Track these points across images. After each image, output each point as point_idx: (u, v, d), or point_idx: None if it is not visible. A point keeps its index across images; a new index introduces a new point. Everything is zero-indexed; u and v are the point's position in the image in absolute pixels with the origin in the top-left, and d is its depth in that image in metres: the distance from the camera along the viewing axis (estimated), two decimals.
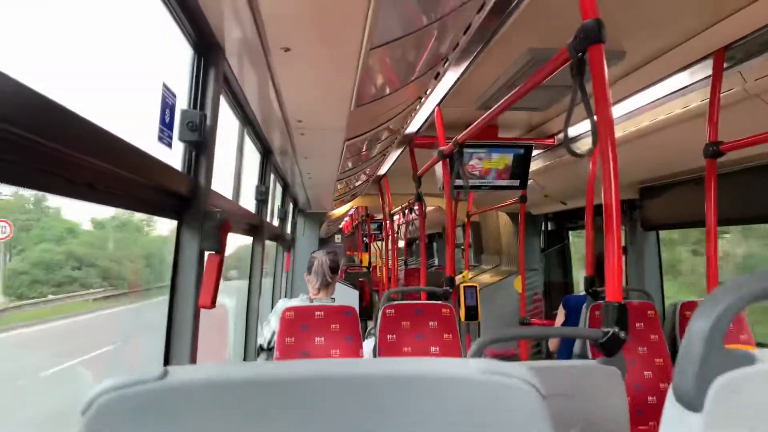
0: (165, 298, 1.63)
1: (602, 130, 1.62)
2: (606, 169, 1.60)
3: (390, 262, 7.71)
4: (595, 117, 1.67)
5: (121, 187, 1.25)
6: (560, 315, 4.25)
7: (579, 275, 6.48)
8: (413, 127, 3.98)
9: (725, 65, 2.59)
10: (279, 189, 5.14)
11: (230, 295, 3.81)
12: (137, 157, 1.26)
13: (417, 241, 16.26)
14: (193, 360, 1.68)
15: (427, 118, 3.75)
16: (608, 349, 1.58)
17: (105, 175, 1.13)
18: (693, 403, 0.62)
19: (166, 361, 1.67)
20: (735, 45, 2.48)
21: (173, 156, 1.61)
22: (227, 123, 2.55)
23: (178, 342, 1.63)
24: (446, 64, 2.52)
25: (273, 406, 0.61)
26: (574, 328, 3.41)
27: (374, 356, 3.40)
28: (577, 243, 6.59)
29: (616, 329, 1.58)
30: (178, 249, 1.66)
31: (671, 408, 0.64)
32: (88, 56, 1.21)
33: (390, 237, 7.81)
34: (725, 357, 0.62)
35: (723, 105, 2.64)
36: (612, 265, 1.60)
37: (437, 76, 2.68)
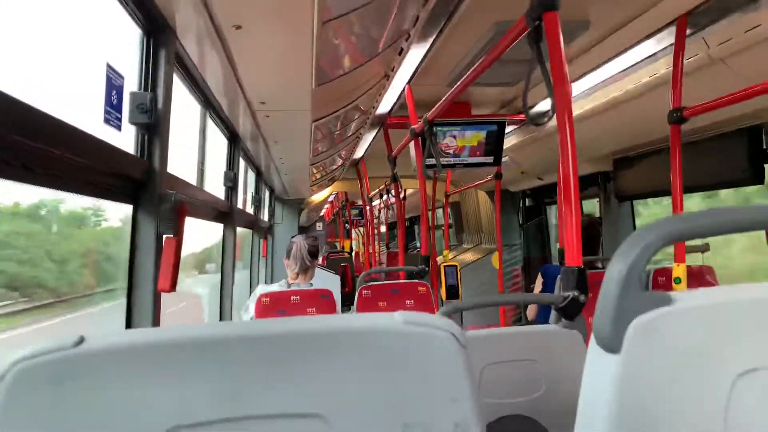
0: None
1: (560, 98, 1.62)
2: (563, 138, 1.61)
3: (371, 246, 7.72)
4: (552, 83, 1.66)
5: (67, 170, 1.22)
6: (538, 284, 4.28)
7: (557, 248, 6.53)
8: (385, 107, 3.96)
9: (688, 31, 2.59)
10: (252, 176, 5.11)
11: (205, 287, 3.77)
12: (81, 139, 1.23)
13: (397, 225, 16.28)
14: None
15: (399, 97, 3.73)
16: (568, 312, 1.60)
17: (44, 157, 1.10)
18: (611, 344, 0.62)
19: None
20: (696, 11, 2.48)
21: (125, 139, 1.58)
22: (186, 106, 2.52)
23: (138, 326, 1.62)
24: (409, 40, 2.49)
25: (192, 368, 0.60)
26: (534, 294, 3.45)
27: None
28: (555, 217, 6.64)
29: (575, 293, 1.59)
30: (135, 234, 1.64)
31: (593, 351, 0.65)
32: (25, 35, 1.17)
33: (370, 221, 7.81)
34: (642, 298, 0.62)
35: (688, 72, 2.65)
36: (571, 233, 1.61)
37: (401, 53, 2.65)
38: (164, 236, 1.65)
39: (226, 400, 0.61)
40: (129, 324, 1.63)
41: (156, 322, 1.64)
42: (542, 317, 4.07)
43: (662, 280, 3.56)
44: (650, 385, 0.61)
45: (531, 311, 4.12)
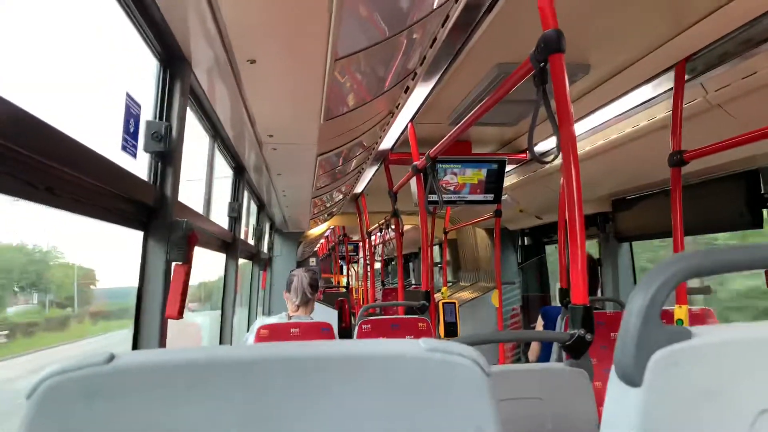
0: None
1: (565, 138, 1.65)
2: (568, 177, 1.63)
3: (369, 282, 7.69)
4: (557, 125, 1.70)
5: (83, 194, 1.24)
6: (538, 326, 4.27)
7: (556, 288, 6.53)
8: (387, 143, 4.01)
9: (687, 77, 2.66)
10: (254, 208, 5.13)
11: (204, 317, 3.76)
12: (100, 165, 1.26)
13: (393, 262, 16.24)
14: None
15: (401, 134, 3.79)
16: (575, 351, 1.60)
17: (66, 180, 1.13)
18: (633, 378, 0.63)
19: None
20: (695, 57, 2.55)
21: (139, 167, 1.61)
22: (198, 139, 2.55)
23: None
24: (415, 78, 2.55)
25: (222, 389, 0.61)
26: (540, 331, 3.43)
27: None
28: (554, 257, 6.65)
29: (582, 331, 1.59)
30: (145, 260, 1.65)
31: (614, 386, 0.66)
32: (51, 63, 1.21)
33: (369, 256, 7.80)
34: (662, 332, 0.63)
35: (686, 116, 2.70)
36: (577, 271, 1.62)
37: (407, 90, 2.71)
38: (173, 263, 1.66)
39: (255, 423, 0.61)
40: (135, 349, 1.63)
41: (162, 347, 1.64)
42: (543, 359, 4.05)
43: (664, 323, 3.56)
44: (671, 419, 0.62)
45: (533, 352, 4.11)
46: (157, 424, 0.60)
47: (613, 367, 0.68)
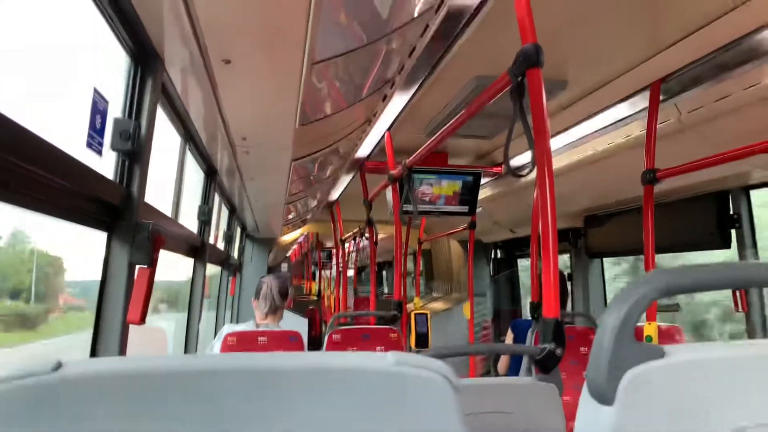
0: None
1: (540, 153, 1.65)
2: (543, 192, 1.62)
3: (342, 290, 7.64)
4: (533, 140, 1.69)
5: (42, 191, 1.19)
6: (508, 339, 4.27)
7: (527, 302, 6.57)
8: (364, 151, 3.99)
9: (661, 97, 2.69)
10: (225, 212, 5.05)
11: (168, 321, 3.67)
12: (61, 161, 1.21)
13: (366, 270, 16.23)
14: None
15: (378, 142, 3.77)
16: (545, 365, 1.58)
17: (23, 176, 1.07)
18: (605, 395, 0.62)
19: None
20: (670, 78, 2.58)
21: (105, 165, 1.55)
22: (168, 139, 2.50)
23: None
24: (393, 87, 2.54)
25: (178, 401, 0.57)
26: (511, 344, 3.44)
27: None
28: (526, 271, 6.70)
29: (552, 345, 1.58)
30: (107, 262, 1.59)
31: (585, 403, 0.64)
32: (12, 51, 1.15)
33: (342, 264, 7.76)
34: (635, 350, 0.62)
35: (660, 135, 2.74)
36: (549, 284, 1.61)
37: (384, 98, 2.70)
38: (137, 266, 1.61)
39: None
40: (93, 354, 1.56)
41: (122, 354, 1.58)
42: (513, 371, 4.05)
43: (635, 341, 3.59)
44: None
45: (502, 365, 4.10)
46: None
47: (585, 385, 0.67)
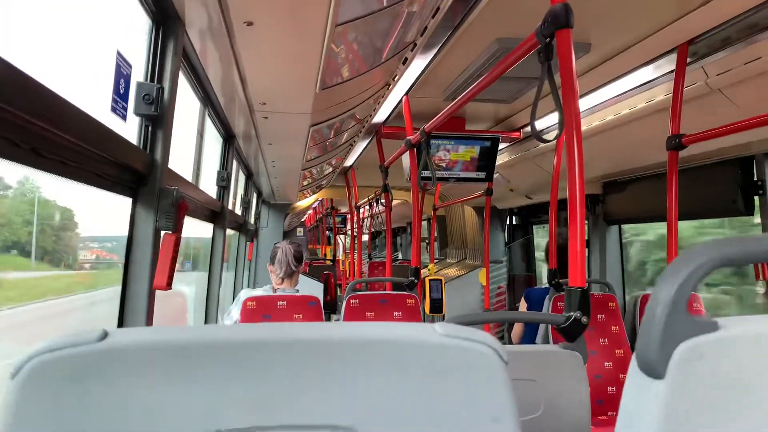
0: None
1: (568, 116, 1.61)
2: (571, 156, 1.59)
3: (356, 255, 7.68)
4: (561, 103, 1.65)
5: (71, 156, 1.18)
6: (522, 308, 4.28)
7: (542, 268, 6.57)
8: (381, 116, 3.95)
9: (688, 60, 2.62)
10: (242, 178, 5.05)
11: (188, 284, 3.70)
12: (90, 126, 1.19)
13: (381, 235, 16.27)
14: None
15: (395, 107, 3.73)
16: (570, 333, 1.58)
17: (53, 141, 1.06)
18: (656, 369, 0.60)
19: None
20: (698, 40, 2.51)
21: (129, 130, 1.54)
22: (188, 104, 2.47)
23: (131, 323, 1.57)
24: (414, 50, 2.49)
25: (222, 371, 0.57)
26: (537, 313, 3.44)
27: None
28: (540, 237, 6.68)
29: (578, 314, 1.58)
30: (133, 228, 1.60)
31: (634, 376, 0.63)
32: (38, 16, 1.13)
33: (357, 230, 7.77)
34: (688, 323, 0.61)
35: (686, 99, 2.68)
36: (575, 253, 1.59)
37: (405, 62, 2.65)
38: (162, 232, 1.61)
39: (257, 408, 0.57)
40: (121, 320, 1.58)
41: (149, 319, 1.59)
42: (527, 340, 4.07)
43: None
44: (695, 412, 0.60)
45: (516, 334, 4.12)
46: (152, 406, 0.56)
47: (633, 357, 0.65)
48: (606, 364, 3.46)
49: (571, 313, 1.60)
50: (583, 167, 1.63)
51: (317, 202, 12.40)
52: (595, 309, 3.55)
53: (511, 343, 4.76)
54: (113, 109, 1.39)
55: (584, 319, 1.61)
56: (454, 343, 0.60)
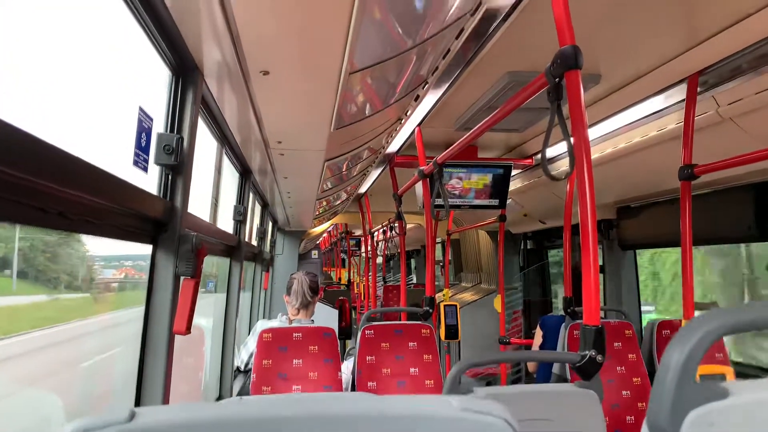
0: None
1: (579, 153, 1.63)
2: (582, 192, 1.60)
3: (371, 279, 7.69)
4: (572, 140, 1.67)
5: (94, 214, 1.22)
6: (537, 336, 4.26)
7: (558, 291, 6.53)
8: (394, 146, 3.99)
9: (699, 89, 2.64)
10: (258, 208, 5.11)
11: (206, 315, 3.72)
12: (111, 184, 1.24)
13: (395, 257, 16.26)
14: (166, 386, 1.64)
15: (408, 137, 3.77)
16: (585, 372, 1.58)
17: (77, 203, 1.10)
18: None
19: (139, 386, 1.63)
20: (708, 70, 2.53)
21: (149, 179, 1.59)
22: (205, 143, 2.53)
23: (152, 367, 1.60)
24: (426, 87, 2.53)
25: None
26: (551, 352, 3.42)
27: (353, 378, 3.37)
28: (555, 261, 6.65)
29: (593, 352, 1.58)
30: (153, 273, 1.63)
31: None
32: (59, 81, 1.18)
33: (372, 255, 7.79)
34: (699, 390, 0.62)
35: (697, 128, 2.69)
36: (589, 288, 1.59)
37: (417, 99, 2.69)
38: (182, 277, 1.65)
39: None
40: (142, 364, 1.61)
41: (168, 364, 1.62)
42: (543, 368, 4.04)
43: (667, 333, 3.55)
44: None
45: (532, 364, 4.10)
46: None
47: (645, 422, 0.67)
48: (624, 392, 3.43)
49: (586, 352, 1.61)
50: (594, 202, 1.63)
51: (332, 227, 12.46)
52: (612, 337, 3.53)
53: (527, 371, 4.72)
54: (135, 163, 1.44)
55: (599, 358, 1.60)
56: (471, 417, 0.62)
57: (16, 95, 0.97)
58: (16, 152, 0.85)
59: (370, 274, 7.52)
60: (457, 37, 2.00)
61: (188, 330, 1.59)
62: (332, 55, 1.55)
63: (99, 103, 1.37)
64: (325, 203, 5.86)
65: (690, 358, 0.62)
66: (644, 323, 4.56)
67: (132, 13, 1.36)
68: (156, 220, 1.60)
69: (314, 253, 14.71)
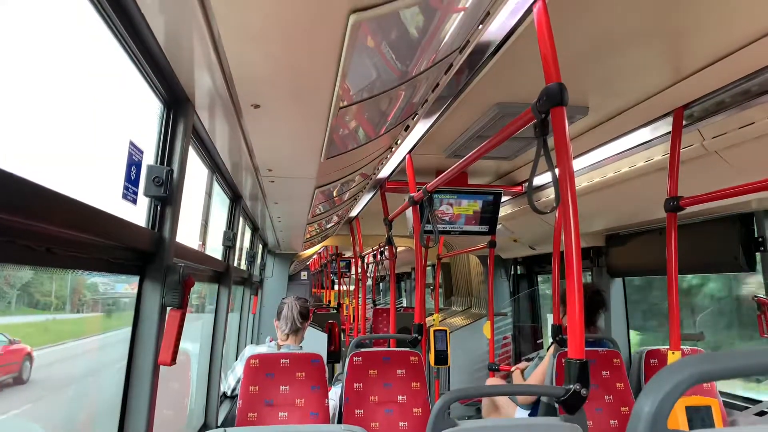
0: None
1: (563, 185, 1.65)
2: (567, 224, 1.62)
3: (360, 301, 7.68)
4: (557, 172, 1.69)
5: (81, 249, 1.23)
6: (523, 364, 4.28)
7: (548, 318, 6.53)
8: (384, 172, 4.02)
9: (684, 123, 2.68)
10: (248, 232, 5.11)
11: (193, 339, 3.69)
12: (98, 218, 1.24)
13: (385, 279, 16.23)
14: (150, 417, 1.63)
15: (399, 164, 3.80)
16: (570, 406, 1.59)
17: (64, 239, 1.11)
18: None
19: (122, 417, 1.62)
20: (693, 105, 2.57)
21: (137, 209, 1.59)
22: (196, 171, 2.54)
23: (136, 398, 1.59)
24: (416, 118, 2.56)
25: None
26: (536, 385, 3.41)
27: (341, 405, 3.35)
28: (545, 287, 6.66)
29: (578, 386, 1.59)
30: (139, 303, 1.63)
31: None
32: (48, 117, 1.20)
33: (362, 278, 7.78)
34: None
35: (684, 160, 2.73)
36: (574, 320, 1.59)
37: (407, 129, 2.72)
38: (168, 308, 1.64)
39: None
40: (126, 396, 1.60)
41: (153, 395, 1.61)
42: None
43: (654, 363, 3.57)
44: None
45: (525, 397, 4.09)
46: None
47: None
48: (612, 422, 3.43)
49: (571, 386, 1.61)
50: (579, 237, 1.64)
51: (322, 249, 12.44)
52: (600, 366, 3.53)
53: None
54: (124, 196, 1.44)
55: (584, 392, 1.61)
56: None
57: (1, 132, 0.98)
58: (1, 193, 0.86)
59: (360, 297, 7.51)
60: (446, 72, 2.04)
61: (173, 361, 1.58)
62: (322, 90, 1.58)
63: (89, 137, 1.38)
64: (316, 226, 5.87)
65: (661, 407, 0.63)
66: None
67: (123, 47, 1.38)
68: (143, 252, 1.60)
69: (303, 274, 14.67)
